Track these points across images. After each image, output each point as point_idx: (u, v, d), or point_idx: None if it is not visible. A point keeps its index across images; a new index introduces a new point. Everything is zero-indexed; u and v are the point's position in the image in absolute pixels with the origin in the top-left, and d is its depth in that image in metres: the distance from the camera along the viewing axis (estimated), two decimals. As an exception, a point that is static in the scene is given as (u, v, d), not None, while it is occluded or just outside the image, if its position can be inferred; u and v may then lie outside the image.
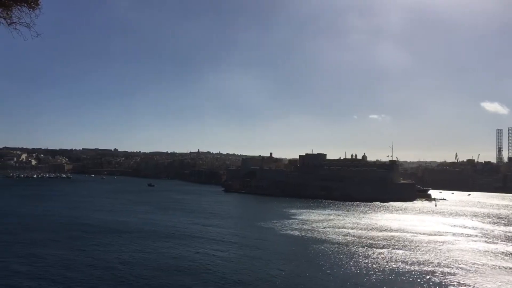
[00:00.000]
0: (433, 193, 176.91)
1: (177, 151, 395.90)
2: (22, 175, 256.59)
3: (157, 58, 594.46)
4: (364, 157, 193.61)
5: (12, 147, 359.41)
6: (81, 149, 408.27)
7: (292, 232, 76.60)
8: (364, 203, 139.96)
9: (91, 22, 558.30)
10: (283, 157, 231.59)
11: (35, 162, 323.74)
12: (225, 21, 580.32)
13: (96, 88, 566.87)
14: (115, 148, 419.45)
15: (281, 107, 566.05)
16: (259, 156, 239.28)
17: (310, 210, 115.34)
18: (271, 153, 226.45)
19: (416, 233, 79.29)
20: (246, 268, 48.83)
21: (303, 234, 75.23)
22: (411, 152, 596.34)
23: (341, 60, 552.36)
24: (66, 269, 45.99)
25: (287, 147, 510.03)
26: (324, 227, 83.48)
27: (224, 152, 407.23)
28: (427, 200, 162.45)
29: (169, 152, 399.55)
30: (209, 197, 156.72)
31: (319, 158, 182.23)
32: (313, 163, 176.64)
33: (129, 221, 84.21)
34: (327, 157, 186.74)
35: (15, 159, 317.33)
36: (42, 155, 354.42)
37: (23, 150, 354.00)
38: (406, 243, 68.40)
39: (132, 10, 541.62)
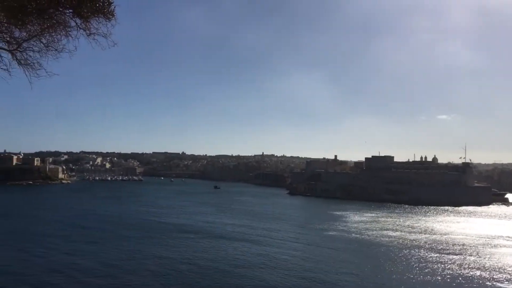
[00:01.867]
0: (511, 197, 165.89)
1: (242, 154, 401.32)
2: (97, 178, 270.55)
3: (222, 63, 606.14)
4: (434, 159, 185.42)
5: (88, 151, 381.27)
6: (151, 152, 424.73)
7: (358, 236, 75.08)
8: (435, 207, 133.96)
9: (160, 31, 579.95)
10: (348, 159, 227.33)
11: (109, 165, 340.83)
12: (285, 25, 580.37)
13: (165, 93, 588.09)
14: (183, 152, 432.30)
15: (345, 109, 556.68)
16: (324, 158, 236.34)
17: (377, 214, 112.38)
18: (335, 156, 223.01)
19: (492, 238, 74.95)
20: (312, 271, 48.49)
21: (370, 238, 73.52)
22: (485, 154, 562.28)
23: (405, 60, 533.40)
24: (157, 266, 48.12)
25: (352, 149, 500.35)
26: (392, 231, 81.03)
27: (288, 154, 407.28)
28: (504, 204, 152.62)
29: (234, 155, 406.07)
30: (274, 199, 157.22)
31: (386, 160, 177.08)
32: (380, 166, 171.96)
33: (196, 222, 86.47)
34: (395, 160, 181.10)
35: (91, 163, 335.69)
36: (115, 158, 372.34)
37: (98, 154, 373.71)
38: (480, 249, 64.78)
39: (197, 18, 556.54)
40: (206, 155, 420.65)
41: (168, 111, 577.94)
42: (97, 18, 5.42)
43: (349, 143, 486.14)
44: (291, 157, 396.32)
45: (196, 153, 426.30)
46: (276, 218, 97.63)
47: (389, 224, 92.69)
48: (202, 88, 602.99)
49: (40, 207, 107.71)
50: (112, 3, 5.24)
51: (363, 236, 75.12)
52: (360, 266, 52.43)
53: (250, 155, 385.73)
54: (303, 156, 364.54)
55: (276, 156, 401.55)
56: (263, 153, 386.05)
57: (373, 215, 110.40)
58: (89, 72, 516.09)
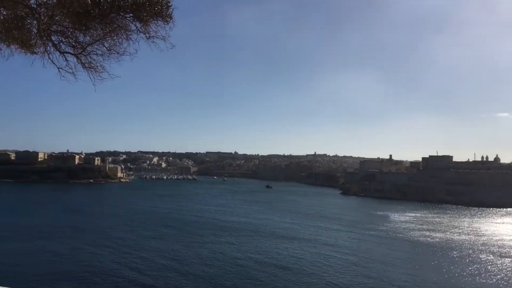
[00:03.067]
0: None
1: (294, 153, 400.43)
2: (154, 177, 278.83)
3: (272, 63, 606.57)
4: (496, 159, 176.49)
5: (145, 151, 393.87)
6: (205, 152, 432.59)
7: (415, 238, 72.84)
8: (498, 209, 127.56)
9: (211, 33, 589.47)
10: (404, 159, 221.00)
11: (165, 164, 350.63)
12: (335, 24, 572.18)
13: (217, 94, 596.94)
14: (235, 151, 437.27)
15: (399, 107, 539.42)
16: (378, 158, 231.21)
17: (435, 216, 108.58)
18: (390, 155, 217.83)
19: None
20: (365, 274, 47.57)
21: (428, 239, 71.15)
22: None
23: (460, 57, 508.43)
24: (205, 265, 49.14)
25: (408, 148, 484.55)
26: (452, 234, 77.97)
27: (340, 154, 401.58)
28: None
29: (286, 154, 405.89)
30: (326, 199, 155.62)
31: (445, 160, 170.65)
32: (437, 166, 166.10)
33: (249, 220, 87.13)
34: (453, 159, 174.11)
35: (148, 162, 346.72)
36: (171, 158, 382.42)
37: (154, 153, 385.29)
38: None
39: (247, 19, 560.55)
40: (258, 154, 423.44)
41: (221, 111, 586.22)
42: (156, 21, 5.53)
43: (404, 142, 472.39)
44: (344, 156, 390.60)
45: (248, 153, 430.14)
46: (329, 218, 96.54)
47: (451, 226, 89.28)
48: (253, 88, 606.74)
49: (102, 204, 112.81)
50: (170, 6, 5.33)
51: (423, 238, 72.77)
52: (418, 268, 50.83)
53: (302, 154, 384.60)
54: (356, 156, 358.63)
55: (329, 155, 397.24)
56: (315, 152, 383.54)
57: (432, 216, 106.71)
58: (145, 74, 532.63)
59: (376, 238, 72.65)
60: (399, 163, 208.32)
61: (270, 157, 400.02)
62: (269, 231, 75.75)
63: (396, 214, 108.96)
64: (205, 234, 70.57)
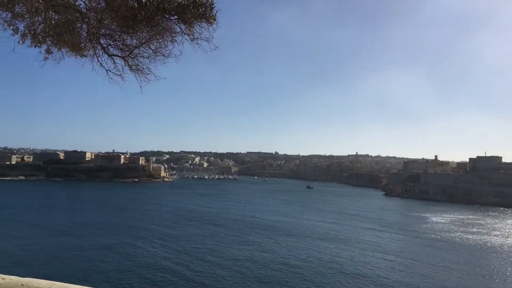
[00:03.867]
0: None
1: (335, 154, 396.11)
2: (195, 176, 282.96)
3: (313, 63, 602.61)
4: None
5: (187, 151, 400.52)
6: (245, 152, 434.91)
7: (463, 241, 70.44)
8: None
9: (252, 34, 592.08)
10: (450, 159, 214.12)
11: (206, 164, 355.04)
12: (376, 21, 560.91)
13: (258, 94, 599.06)
14: (275, 151, 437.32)
15: (445, 106, 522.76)
16: (423, 159, 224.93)
17: (483, 218, 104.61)
18: (436, 156, 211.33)
19: None
20: (410, 275, 46.43)
21: (479, 243, 68.64)
22: None
23: (506, 54, 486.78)
24: (252, 263, 49.54)
25: (454, 149, 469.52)
26: (502, 238, 74.87)
27: (383, 154, 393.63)
28: None
29: (327, 155, 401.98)
30: (369, 200, 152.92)
31: (493, 161, 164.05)
32: (486, 167, 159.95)
33: (290, 221, 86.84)
34: (503, 160, 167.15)
35: (190, 162, 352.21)
36: (212, 158, 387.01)
37: (196, 153, 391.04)
38: None
39: (289, 20, 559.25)
40: (298, 155, 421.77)
41: (261, 112, 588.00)
42: (200, 23, 5.59)
43: (451, 142, 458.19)
44: (387, 157, 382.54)
45: (288, 153, 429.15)
46: (372, 219, 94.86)
47: (501, 229, 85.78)
48: (294, 88, 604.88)
49: (148, 202, 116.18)
50: (214, 7, 5.38)
51: (473, 242, 70.30)
52: (466, 272, 49.13)
53: (343, 155, 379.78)
54: (399, 156, 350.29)
55: (371, 156, 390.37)
56: (357, 153, 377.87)
57: (480, 219, 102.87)
58: (187, 75, 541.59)
59: (420, 240, 70.79)
60: (445, 163, 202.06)
61: (311, 157, 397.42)
62: (310, 231, 75.32)
63: (441, 216, 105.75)
64: (246, 232, 71.10)
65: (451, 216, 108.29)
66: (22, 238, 60.27)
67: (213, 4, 5.54)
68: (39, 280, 2.43)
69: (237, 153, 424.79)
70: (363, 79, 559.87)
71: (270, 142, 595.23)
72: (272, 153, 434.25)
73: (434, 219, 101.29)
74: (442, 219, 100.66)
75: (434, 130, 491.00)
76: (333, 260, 53.07)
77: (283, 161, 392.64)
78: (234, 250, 56.96)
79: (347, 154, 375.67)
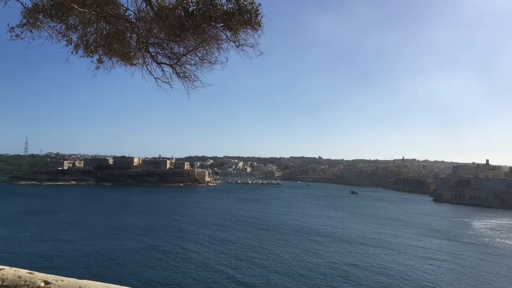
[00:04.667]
0: None
1: (380, 158, 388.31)
2: (239, 181, 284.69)
3: (355, 67, 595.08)
4: None
5: (231, 156, 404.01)
6: (288, 157, 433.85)
7: (517, 250, 67.15)
8: None
9: (298, 40, 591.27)
10: (502, 164, 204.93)
11: (250, 169, 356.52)
12: (419, 22, 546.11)
13: (300, 98, 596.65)
14: (319, 156, 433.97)
15: (496, 108, 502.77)
16: (473, 163, 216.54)
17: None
18: (487, 160, 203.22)
19: None
20: (461, 286, 44.67)
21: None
22: None
23: None
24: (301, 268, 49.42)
25: (506, 153, 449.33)
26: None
27: (431, 159, 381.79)
28: None
29: (372, 159, 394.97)
30: (416, 206, 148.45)
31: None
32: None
33: (334, 226, 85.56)
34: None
35: (233, 167, 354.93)
36: (255, 163, 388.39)
37: (239, 158, 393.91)
38: None
39: (331, 24, 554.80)
40: (342, 159, 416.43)
41: (304, 116, 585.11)
42: (245, 30, 5.64)
43: (503, 146, 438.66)
44: (435, 161, 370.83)
45: (332, 158, 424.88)
46: (419, 225, 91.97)
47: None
48: (337, 92, 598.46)
49: (193, 206, 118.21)
50: (259, 14, 5.42)
51: (523, 251, 66.90)
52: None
53: (389, 159, 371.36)
54: (448, 161, 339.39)
55: (418, 160, 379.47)
56: (403, 157, 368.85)
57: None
58: (230, 81, 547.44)
59: (471, 247, 67.97)
60: (497, 168, 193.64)
61: (355, 162, 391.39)
62: (355, 237, 74.02)
63: (493, 223, 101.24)
64: (291, 237, 70.71)
65: (503, 222, 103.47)
66: (76, 241, 62.65)
67: (258, 10, 5.59)
68: (96, 282, 2.48)
69: (280, 158, 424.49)
70: (408, 82, 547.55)
71: (314, 147, 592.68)
72: (315, 157, 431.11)
73: (485, 225, 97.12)
74: (493, 226, 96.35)
75: (485, 134, 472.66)
76: (380, 265, 51.85)
77: (327, 166, 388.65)
78: (280, 253, 56.84)
79: (393, 159, 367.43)
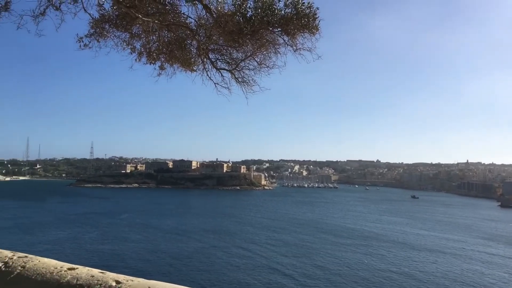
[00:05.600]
0: None
1: (443, 162, 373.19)
2: (295, 185, 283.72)
3: (413, 69, 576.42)
4: None
5: (287, 159, 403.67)
6: (345, 160, 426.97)
7: None
8: None
9: (354, 43, 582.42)
10: None
11: (306, 173, 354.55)
12: (482, 23, 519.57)
13: (356, 103, 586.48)
14: (377, 159, 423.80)
15: None
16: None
17: None
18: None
19: None
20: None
21: None
22: None
23: None
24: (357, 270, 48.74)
25: None
26: None
27: (498, 162, 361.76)
28: None
29: (433, 163, 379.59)
30: (482, 211, 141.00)
31: None
32: None
33: (394, 231, 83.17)
34: None
35: (289, 170, 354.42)
36: (311, 166, 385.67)
37: (295, 162, 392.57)
38: None
39: (387, 27, 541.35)
40: (402, 163, 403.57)
41: (361, 119, 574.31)
42: (302, 34, 5.67)
43: None
44: (502, 165, 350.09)
45: (391, 161, 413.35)
46: (485, 232, 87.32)
47: None
48: (395, 95, 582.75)
49: (251, 209, 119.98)
50: (317, 17, 5.42)
51: None
52: None
53: (452, 163, 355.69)
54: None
55: (484, 164, 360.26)
56: (467, 160, 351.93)
57: None
58: (286, 85, 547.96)
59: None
60: None
61: (416, 165, 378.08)
62: (416, 243, 71.53)
63: None
64: (350, 241, 69.62)
65: None
66: (140, 241, 64.97)
67: (316, 14, 5.57)
68: (164, 283, 2.51)
69: (337, 162, 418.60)
70: (471, 83, 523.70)
71: (371, 150, 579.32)
72: (373, 161, 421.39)
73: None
74: None
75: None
76: (444, 272, 49.83)
77: (386, 170, 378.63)
78: (340, 257, 56.16)
79: (456, 162, 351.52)
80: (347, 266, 51.91)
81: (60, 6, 5.39)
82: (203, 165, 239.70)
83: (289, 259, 54.54)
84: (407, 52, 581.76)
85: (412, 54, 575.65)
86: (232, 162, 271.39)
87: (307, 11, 5.56)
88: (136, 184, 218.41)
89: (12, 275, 2.79)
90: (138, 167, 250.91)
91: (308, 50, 5.80)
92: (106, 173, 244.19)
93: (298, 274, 47.16)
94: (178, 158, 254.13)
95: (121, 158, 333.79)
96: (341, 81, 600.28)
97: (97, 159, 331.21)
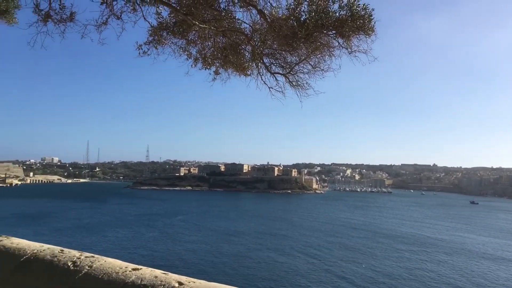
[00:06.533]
0: None
1: (504, 166, 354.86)
2: (347, 189, 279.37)
3: (467, 70, 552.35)
4: None
5: (339, 163, 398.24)
6: (400, 164, 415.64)
7: None
8: None
9: (404, 44, 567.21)
10: None
11: (358, 177, 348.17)
12: None
13: (409, 105, 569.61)
14: (434, 163, 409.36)
15: None
16: None
17: None
18: None
19: None
20: None
21: None
22: None
23: None
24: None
25: None
26: None
27: None
28: None
29: (494, 167, 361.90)
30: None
31: None
32: None
33: (452, 238, 79.85)
34: None
35: (341, 174, 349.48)
36: (364, 170, 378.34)
37: (347, 165, 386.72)
38: None
39: (440, 28, 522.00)
40: (460, 167, 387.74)
41: (415, 122, 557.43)
42: (357, 36, 5.58)
43: None
44: None
45: (449, 165, 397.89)
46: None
47: None
48: (449, 97, 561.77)
49: (304, 213, 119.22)
50: (372, 19, 5.32)
51: None
52: None
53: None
54: None
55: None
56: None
57: None
58: (339, 88, 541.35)
59: None
60: None
61: (475, 169, 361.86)
62: (476, 250, 68.43)
63: None
64: (405, 247, 67.58)
65: None
66: (195, 242, 66.09)
67: (371, 15, 5.47)
68: (225, 285, 2.58)
69: (390, 165, 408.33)
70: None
71: (427, 154, 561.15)
72: (429, 165, 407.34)
73: None
74: None
75: None
76: (508, 279, 47.32)
77: (443, 174, 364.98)
78: (401, 263, 54.55)
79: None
80: (406, 272, 50.46)
81: (121, 15, 5.63)
82: (254, 168, 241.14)
83: (347, 264, 53.55)
84: (461, 52, 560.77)
85: (467, 54, 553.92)
86: (283, 166, 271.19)
87: (363, 12, 5.47)
88: (190, 187, 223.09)
89: (80, 274, 2.87)
90: (191, 170, 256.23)
91: (363, 52, 5.70)
92: (161, 176, 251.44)
93: (358, 279, 46.35)
94: (229, 161, 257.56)
95: (175, 161, 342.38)
96: (394, 82, 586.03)
97: (153, 162, 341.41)
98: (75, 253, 3.18)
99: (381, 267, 53.14)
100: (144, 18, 5.75)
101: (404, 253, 63.81)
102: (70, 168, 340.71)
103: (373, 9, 5.51)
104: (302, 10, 5.50)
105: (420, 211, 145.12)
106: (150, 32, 6.25)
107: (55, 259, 3.15)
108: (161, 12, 6.06)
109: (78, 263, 2.99)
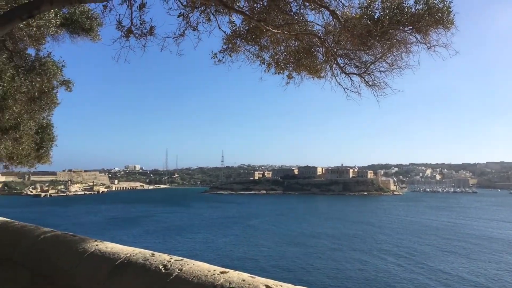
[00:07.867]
0: None
1: None
2: (428, 190, 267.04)
3: None
4: None
5: (417, 163, 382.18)
6: (485, 163, 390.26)
7: None
8: None
9: (482, 37, 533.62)
10: None
11: (439, 177, 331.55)
12: None
13: (492, 101, 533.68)
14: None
15: None
16: None
17: None
18: None
19: None
20: None
21: None
22: None
23: None
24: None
25: None
26: None
27: None
28: None
29: None
30: None
31: None
32: None
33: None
34: None
35: (420, 174, 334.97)
36: (445, 170, 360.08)
37: (427, 165, 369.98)
38: None
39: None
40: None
41: (500, 119, 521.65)
42: (436, 30, 5.36)
43: None
44: None
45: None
46: None
47: None
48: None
49: (382, 215, 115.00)
50: (451, 11, 5.08)
51: None
52: None
53: None
54: None
55: None
56: None
57: None
58: (414, 85, 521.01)
59: None
60: None
61: None
62: None
63: None
64: (498, 250, 63.18)
65: None
66: (272, 246, 66.07)
67: (450, 8, 5.23)
68: None
69: (474, 164, 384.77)
70: None
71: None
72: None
73: None
74: None
75: None
76: None
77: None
78: (491, 265, 51.37)
79: None
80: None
81: (197, 26, 5.84)
82: (328, 170, 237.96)
83: (436, 273, 50.65)
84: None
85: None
86: (358, 167, 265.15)
87: (440, 5, 5.25)
88: (264, 191, 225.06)
89: (171, 277, 2.97)
90: (265, 174, 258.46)
91: (443, 47, 5.46)
92: (236, 180, 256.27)
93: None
94: (303, 164, 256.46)
95: (249, 165, 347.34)
96: (471, 77, 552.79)
97: (228, 167, 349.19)
98: (165, 256, 3.34)
99: (475, 272, 49.99)
100: (219, 27, 5.92)
101: (499, 255, 59.63)
102: (151, 175, 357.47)
103: (451, 1, 5.27)
104: (375, 7, 5.38)
105: (510, 211, 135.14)
106: (224, 40, 6.43)
107: (147, 262, 3.33)
108: (234, 21, 6.22)
109: (169, 266, 3.13)
